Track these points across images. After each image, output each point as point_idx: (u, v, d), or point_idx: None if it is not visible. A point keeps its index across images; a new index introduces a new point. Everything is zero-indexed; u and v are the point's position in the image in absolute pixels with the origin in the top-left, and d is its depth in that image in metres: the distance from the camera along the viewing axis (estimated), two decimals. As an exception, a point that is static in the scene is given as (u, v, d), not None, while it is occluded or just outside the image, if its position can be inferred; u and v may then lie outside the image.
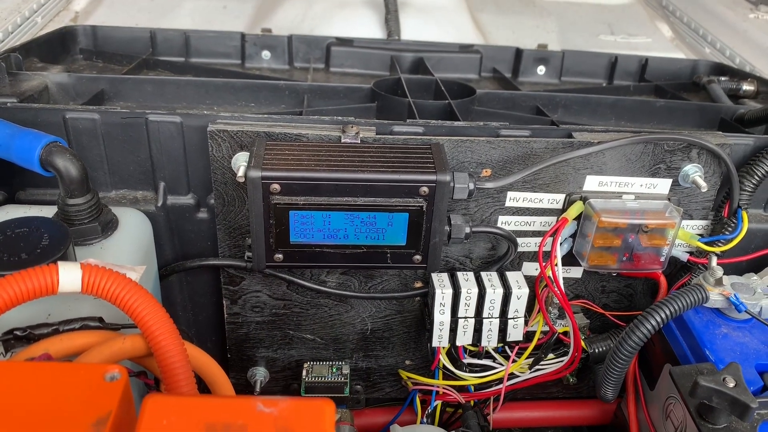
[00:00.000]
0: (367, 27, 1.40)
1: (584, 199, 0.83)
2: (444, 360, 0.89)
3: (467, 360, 0.89)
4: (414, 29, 1.40)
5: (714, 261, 0.81)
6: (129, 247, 0.75)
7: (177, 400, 0.44)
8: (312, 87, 1.06)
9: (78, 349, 0.58)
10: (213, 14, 1.46)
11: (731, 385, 0.65)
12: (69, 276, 0.56)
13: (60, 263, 0.56)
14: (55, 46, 1.17)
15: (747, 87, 1.21)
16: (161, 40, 1.24)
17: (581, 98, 1.11)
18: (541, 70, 1.32)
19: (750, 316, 0.78)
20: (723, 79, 1.25)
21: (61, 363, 0.50)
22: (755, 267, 0.91)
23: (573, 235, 0.85)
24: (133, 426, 0.46)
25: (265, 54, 1.27)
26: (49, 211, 0.76)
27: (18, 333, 0.58)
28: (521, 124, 0.85)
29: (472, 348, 0.88)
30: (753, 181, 0.85)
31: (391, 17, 1.39)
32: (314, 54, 1.28)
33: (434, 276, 0.85)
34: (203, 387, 0.64)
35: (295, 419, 0.43)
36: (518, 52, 1.31)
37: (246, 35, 1.26)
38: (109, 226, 0.75)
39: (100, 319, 0.62)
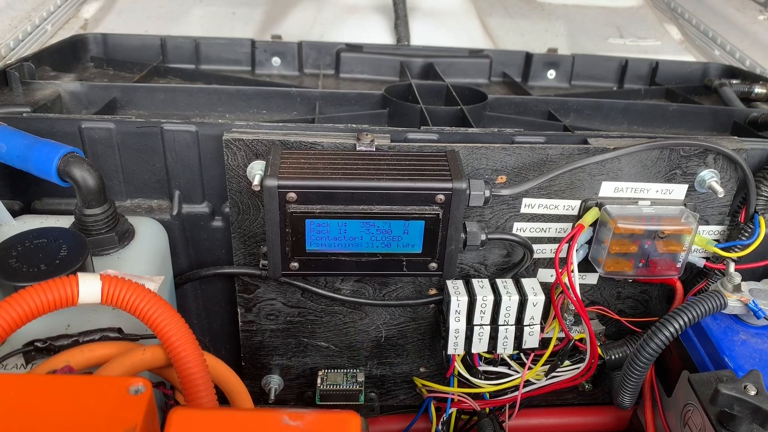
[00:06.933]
0: (377, 33, 1.40)
1: (600, 206, 0.82)
2: (459, 367, 0.88)
3: (482, 367, 0.89)
4: (423, 34, 1.40)
5: (732, 267, 0.80)
6: (146, 256, 0.75)
7: (202, 414, 0.44)
8: (324, 94, 1.06)
9: (98, 360, 0.58)
10: (222, 21, 1.46)
11: (752, 393, 0.64)
12: (89, 287, 0.56)
13: (80, 274, 0.56)
14: (67, 55, 1.17)
15: (759, 90, 1.21)
16: (171, 47, 1.24)
17: (593, 103, 1.10)
18: (551, 74, 1.31)
19: (769, 323, 0.77)
20: (735, 82, 1.24)
21: (84, 376, 0.50)
22: (772, 273, 0.91)
23: (589, 242, 0.84)
24: (157, 439, 0.45)
25: (275, 60, 1.27)
26: (64, 221, 0.76)
27: (38, 345, 0.58)
28: (534, 130, 0.85)
29: (487, 355, 0.88)
30: (770, 186, 0.85)
31: (400, 23, 1.39)
32: (324, 60, 1.28)
33: (449, 283, 0.85)
34: (221, 397, 0.64)
35: (321, 433, 0.43)
36: (528, 57, 1.31)
37: (256, 42, 1.26)
38: (126, 235, 0.75)
39: (119, 330, 0.62)
